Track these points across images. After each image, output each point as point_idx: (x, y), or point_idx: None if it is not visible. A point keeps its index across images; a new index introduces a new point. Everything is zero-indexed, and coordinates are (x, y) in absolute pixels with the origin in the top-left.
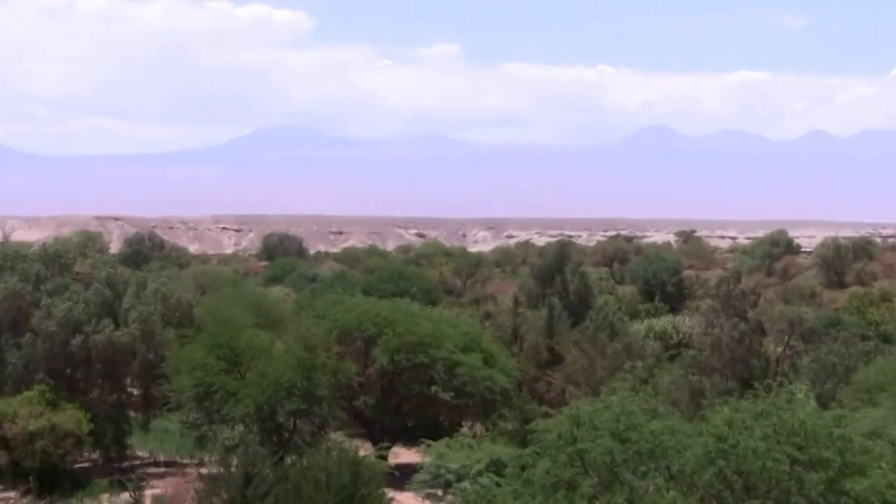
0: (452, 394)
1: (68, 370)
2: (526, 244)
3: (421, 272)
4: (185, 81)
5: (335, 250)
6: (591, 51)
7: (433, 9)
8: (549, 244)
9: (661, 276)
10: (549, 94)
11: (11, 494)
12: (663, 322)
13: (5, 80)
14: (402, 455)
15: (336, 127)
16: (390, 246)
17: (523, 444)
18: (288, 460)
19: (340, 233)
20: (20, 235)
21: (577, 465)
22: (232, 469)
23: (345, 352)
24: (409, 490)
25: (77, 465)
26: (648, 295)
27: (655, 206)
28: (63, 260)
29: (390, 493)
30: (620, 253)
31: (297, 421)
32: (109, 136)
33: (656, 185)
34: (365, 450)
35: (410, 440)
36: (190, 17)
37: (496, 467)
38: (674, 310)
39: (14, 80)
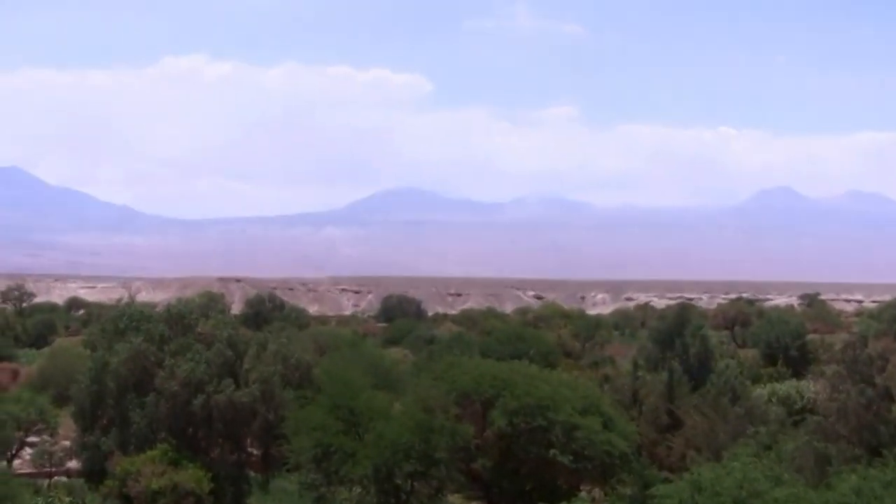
0: (571, 457)
1: (190, 429)
2: (645, 307)
3: (539, 334)
4: (306, 144)
5: (453, 312)
6: (711, 111)
7: (550, 71)
8: (668, 307)
9: (784, 339)
10: (669, 155)
11: None
12: (787, 386)
13: (131, 143)
14: None
15: (454, 189)
16: (508, 308)
17: None
18: None
19: (458, 294)
20: (145, 296)
21: None
22: None
23: (462, 414)
24: None
25: None
26: (771, 359)
27: (778, 269)
28: (186, 321)
29: None
30: (742, 316)
31: (415, 483)
32: (233, 199)
33: (779, 247)
34: None
35: (528, 503)
36: (312, 82)
37: None
38: (797, 374)
39: (140, 144)
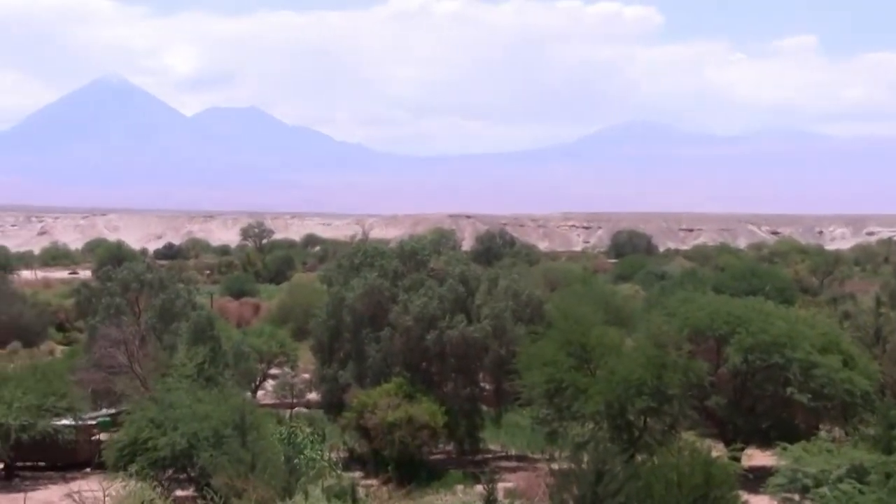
0: (809, 396)
1: (423, 364)
2: (889, 241)
3: (775, 270)
4: (536, 80)
5: (685, 247)
6: None
7: None
8: None
9: None
10: None
11: (372, 482)
12: None
13: (364, 83)
14: (756, 457)
15: (687, 123)
16: (742, 243)
17: (888, 450)
18: (638, 458)
19: (690, 230)
20: (378, 233)
21: None
22: (583, 465)
23: (696, 350)
24: (763, 493)
25: (432, 457)
26: None
27: None
28: (419, 257)
29: (744, 495)
30: None
31: (648, 419)
32: (463, 136)
33: None
34: (717, 451)
35: (764, 442)
36: (541, 16)
37: (858, 474)
38: None
39: (372, 84)
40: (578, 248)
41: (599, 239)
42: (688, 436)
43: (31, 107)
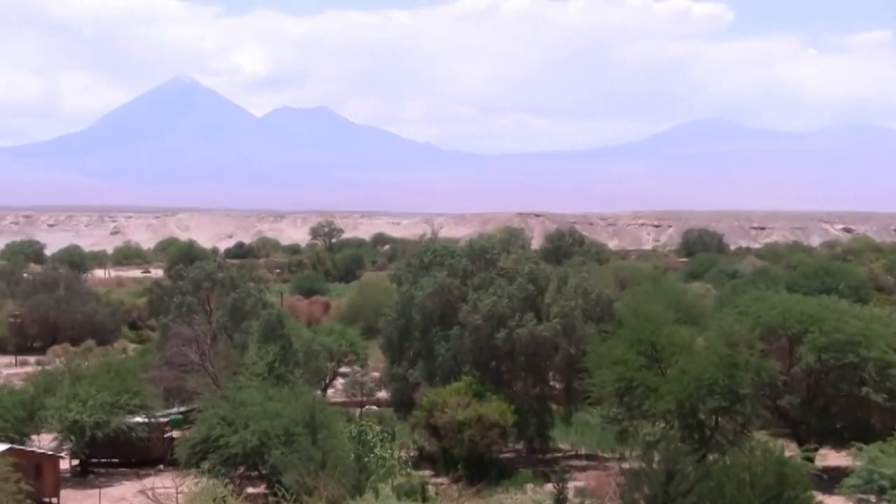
0: (885, 395)
1: (493, 362)
2: None
3: (849, 268)
4: (604, 78)
5: (756, 246)
6: None
7: None
8: None
9: None
10: None
11: (442, 480)
12: None
13: (432, 82)
14: (831, 457)
15: (758, 119)
16: (815, 241)
17: None
18: (710, 458)
19: (762, 228)
20: (447, 232)
21: None
22: (654, 465)
23: (768, 349)
24: (838, 494)
25: (502, 455)
26: None
27: None
28: (488, 255)
29: (818, 496)
30: None
31: (719, 418)
32: (532, 134)
33: None
34: (790, 450)
35: (839, 442)
36: (609, 14)
37: None
38: None
39: (440, 82)
40: (649, 247)
41: (670, 237)
42: (760, 435)
43: (104, 108)
